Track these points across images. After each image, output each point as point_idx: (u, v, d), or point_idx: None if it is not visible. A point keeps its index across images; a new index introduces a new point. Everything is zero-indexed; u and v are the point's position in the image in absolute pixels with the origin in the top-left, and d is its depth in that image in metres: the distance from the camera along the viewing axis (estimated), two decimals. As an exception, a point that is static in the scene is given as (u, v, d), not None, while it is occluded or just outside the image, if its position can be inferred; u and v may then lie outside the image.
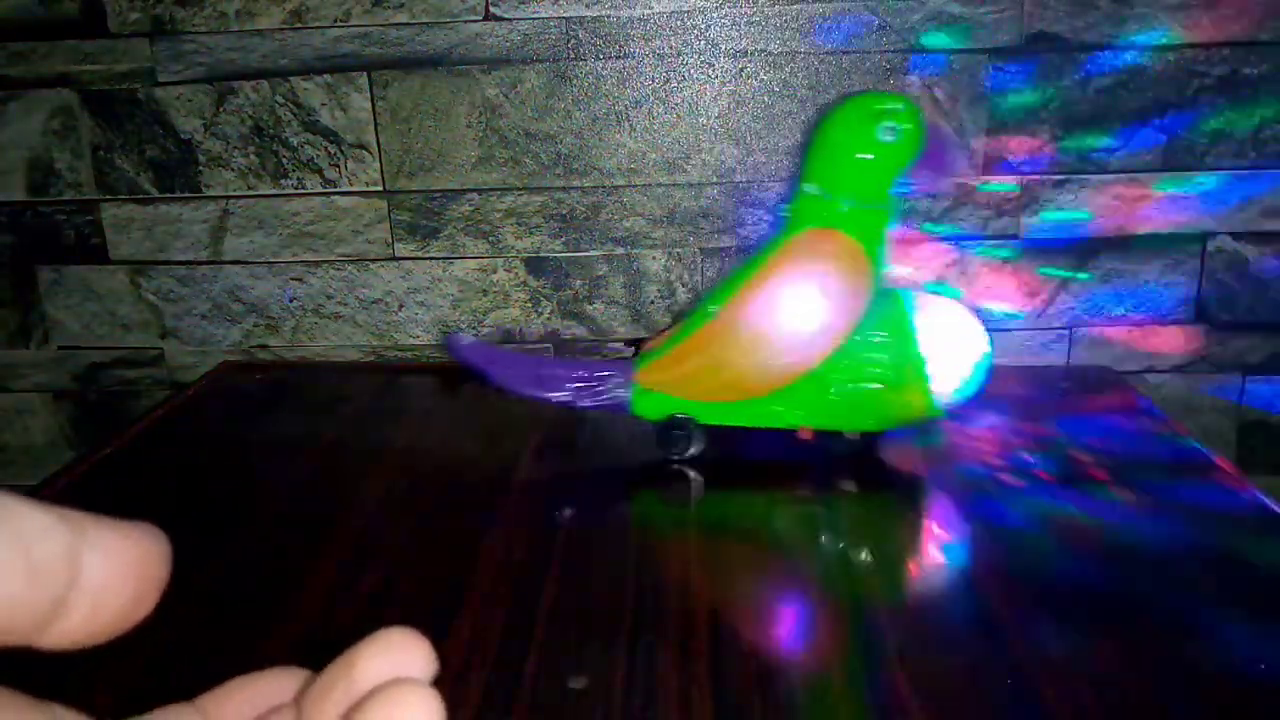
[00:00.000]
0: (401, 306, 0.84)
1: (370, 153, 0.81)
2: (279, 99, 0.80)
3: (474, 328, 0.85)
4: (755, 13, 0.76)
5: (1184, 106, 0.77)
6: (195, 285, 0.85)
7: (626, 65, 0.78)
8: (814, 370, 0.58)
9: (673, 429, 0.61)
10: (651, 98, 0.78)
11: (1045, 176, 0.79)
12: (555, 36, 0.77)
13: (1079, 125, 0.78)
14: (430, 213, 0.82)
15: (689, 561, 0.51)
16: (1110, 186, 0.79)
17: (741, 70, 0.78)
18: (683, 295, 0.83)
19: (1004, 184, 0.79)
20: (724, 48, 0.77)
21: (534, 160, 0.80)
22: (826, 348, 0.57)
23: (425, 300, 0.84)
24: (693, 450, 0.61)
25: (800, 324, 0.57)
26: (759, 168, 0.80)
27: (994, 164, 0.79)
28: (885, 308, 0.59)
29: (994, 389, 0.62)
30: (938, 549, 0.54)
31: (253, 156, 0.81)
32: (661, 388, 0.61)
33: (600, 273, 0.83)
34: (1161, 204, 0.79)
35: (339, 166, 0.81)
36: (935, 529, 0.56)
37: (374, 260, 0.83)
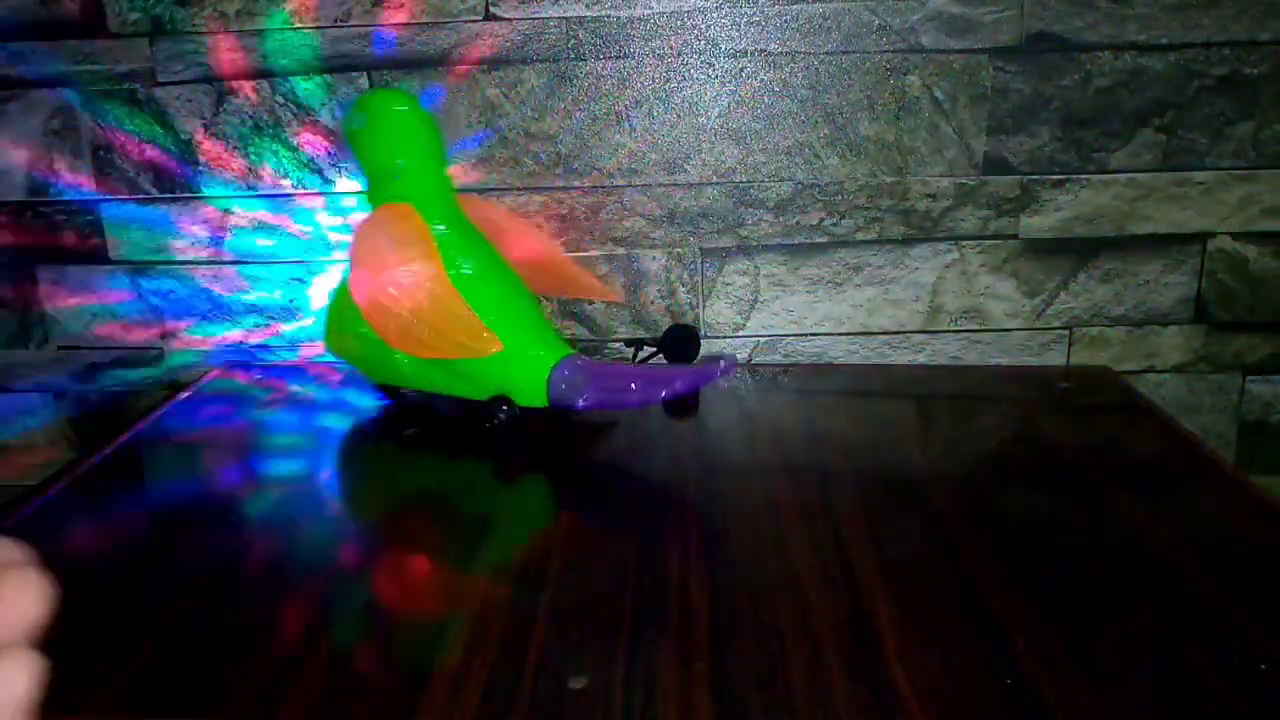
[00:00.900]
0: (401, 306, 0.84)
1: (370, 153, 0.80)
2: (279, 99, 0.80)
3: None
4: (755, 13, 0.76)
5: (1184, 106, 0.77)
6: (195, 285, 0.85)
7: (626, 65, 0.78)
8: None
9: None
10: (651, 98, 0.78)
11: (1045, 176, 0.79)
12: (555, 36, 0.77)
13: (1079, 125, 0.78)
14: (430, 213, 0.82)
15: (689, 561, 0.51)
16: (1110, 186, 0.79)
17: (741, 70, 0.78)
18: (683, 295, 0.83)
19: (1003, 183, 0.79)
20: (724, 48, 0.77)
21: (534, 160, 0.80)
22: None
23: (425, 300, 0.84)
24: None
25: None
26: (759, 168, 0.80)
27: (994, 164, 0.79)
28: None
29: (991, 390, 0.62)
30: None
31: (252, 156, 0.81)
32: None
33: (600, 273, 0.83)
34: (1161, 204, 0.79)
35: (339, 166, 0.81)
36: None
37: (374, 260, 0.83)
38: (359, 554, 0.53)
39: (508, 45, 0.78)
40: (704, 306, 0.83)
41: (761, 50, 0.77)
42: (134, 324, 0.86)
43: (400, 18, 0.77)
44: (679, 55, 0.78)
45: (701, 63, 0.78)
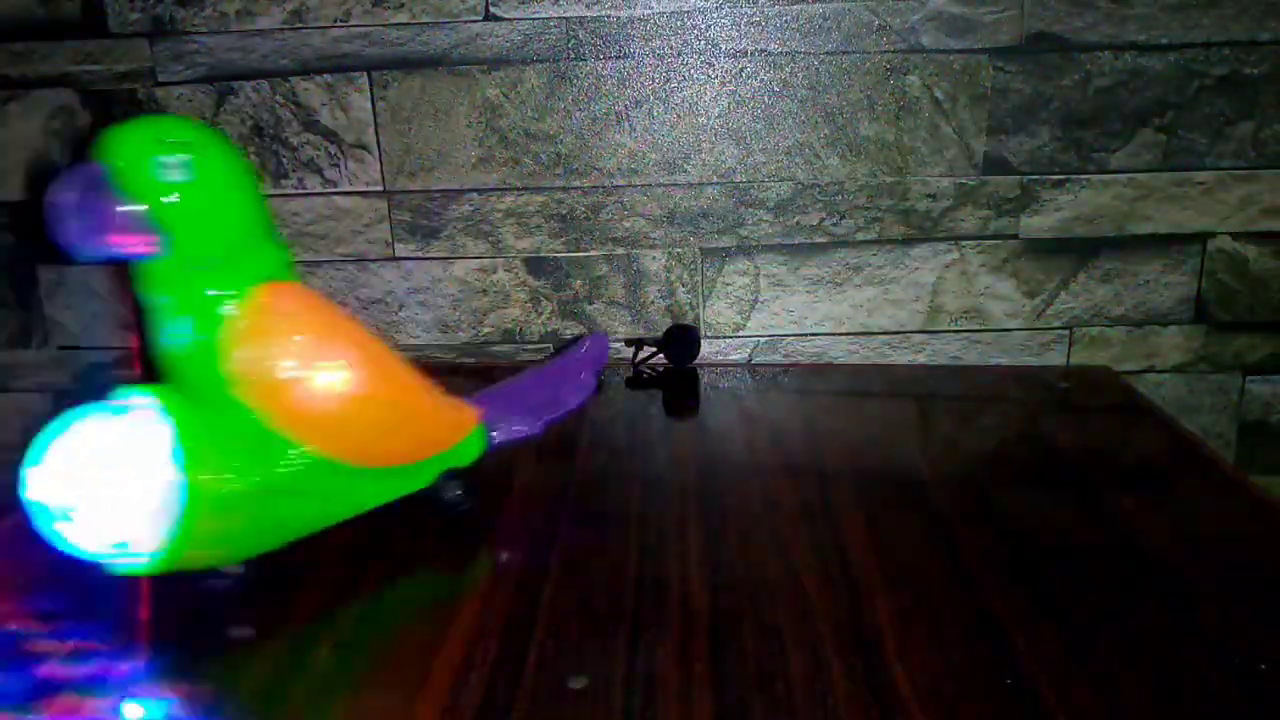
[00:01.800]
0: (401, 307, 0.85)
1: (370, 153, 0.81)
2: (279, 99, 0.80)
3: (474, 327, 0.85)
4: (755, 13, 0.76)
5: (1184, 106, 0.77)
6: (195, 285, 0.85)
7: (626, 65, 0.78)
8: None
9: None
10: (651, 98, 0.78)
11: (1045, 176, 0.79)
12: (555, 36, 0.77)
13: (1079, 125, 0.78)
14: (430, 213, 0.82)
15: (689, 561, 0.51)
16: (1110, 186, 0.79)
17: (741, 70, 0.78)
18: (682, 295, 0.83)
19: (1003, 183, 0.79)
20: (724, 48, 0.77)
21: (534, 160, 0.80)
22: None
23: (425, 300, 0.84)
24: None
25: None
26: (759, 168, 0.80)
27: (994, 164, 0.79)
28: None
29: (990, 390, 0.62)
30: None
31: (253, 156, 0.81)
32: None
33: (600, 273, 0.83)
34: (1161, 204, 0.79)
35: (339, 166, 0.81)
36: None
37: (374, 260, 0.83)
38: (359, 554, 0.53)
39: (508, 45, 0.78)
40: (704, 306, 0.83)
41: (761, 50, 0.77)
42: (134, 324, 0.86)
43: (400, 18, 0.77)
44: (679, 55, 0.78)
45: (701, 63, 0.78)
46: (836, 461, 0.63)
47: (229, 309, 0.45)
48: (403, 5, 0.77)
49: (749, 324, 0.84)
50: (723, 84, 0.78)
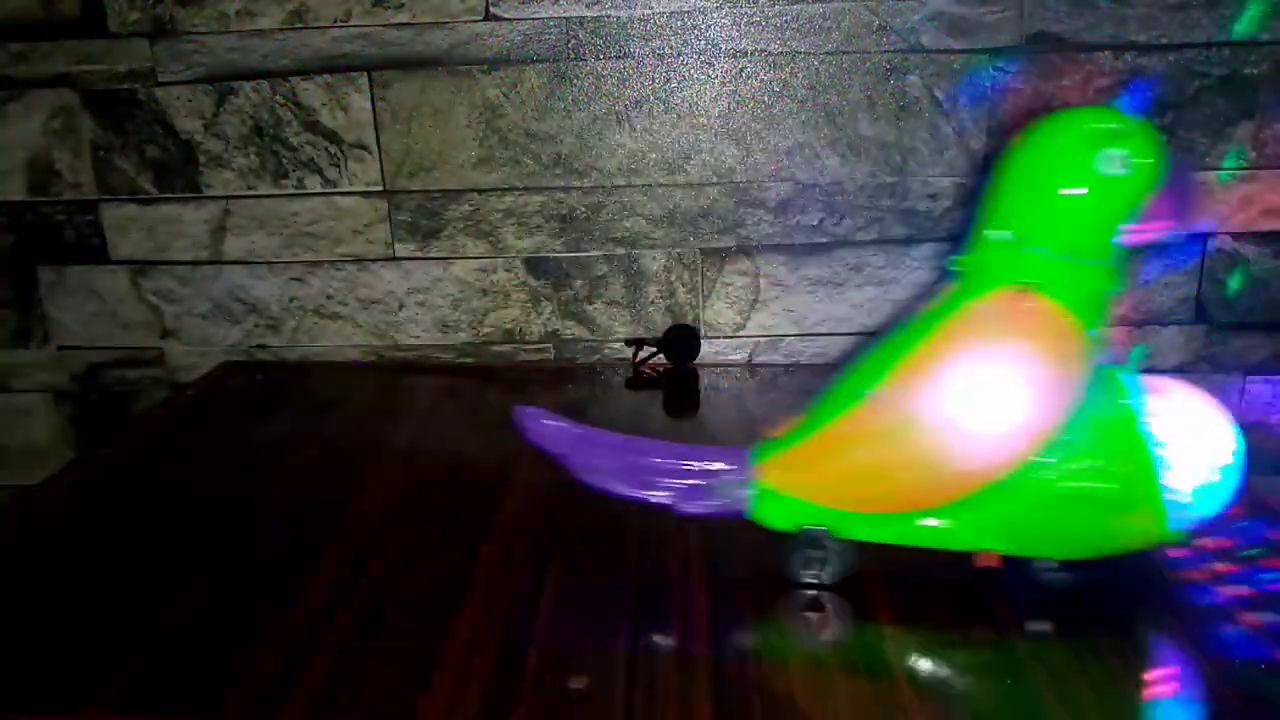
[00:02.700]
0: (401, 306, 0.84)
1: (370, 153, 0.81)
2: (279, 99, 0.80)
3: (474, 327, 0.85)
4: (755, 13, 0.76)
5: (1184, 106, 0.77)
6: (195, 285, 0.85)
7: (626, 65, 0.78)
8: (1004, 478, 0.45)
9: (808, 545, 0.48)
10: (651, 98, 0.78)
11: (1045, 176, 0.79)
12: (555, 36, 0.77)
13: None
14: (430, 213, 0.82)
15: (689, 561, 0.51)
16: (1110, 186, 0.79)
17: (741, 70, 0.78)
18: (682, 295, 0.83)
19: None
20: (724, 48, 0.77)
21: (534, 160, 0.80)
22: (1024, 449, 0.44)
23: (425, 300, 0.84)
24: (832, 572, 0.48)
25: (991, 417, 0.44)
26: (759, 168, 0.80)
27: (994, 164, 0.79)
28: (1101, 395, 0.45)
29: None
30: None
31: (253, 156, 0.81)
32: (794, 490, 0.48)
33: (600, 273, 0.83)
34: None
35: (339, 166, 0.81)
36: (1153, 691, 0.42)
37: (374, 260, 0.83)
38: (359, 554, 0.53)
39: (508, 45, 0.78)
40: (704, 306, 0.83)
41: (761, 50, 0.77)
42: (134, 324, 0.86)
43: (400, 18, 0.77)
44: (679, 55, 0.78)
45: (701, 63, 0.78)
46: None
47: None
48: (403, 5, 0.77)
49: (749, 324, 0.84)
50: (723, 84, 0.78)
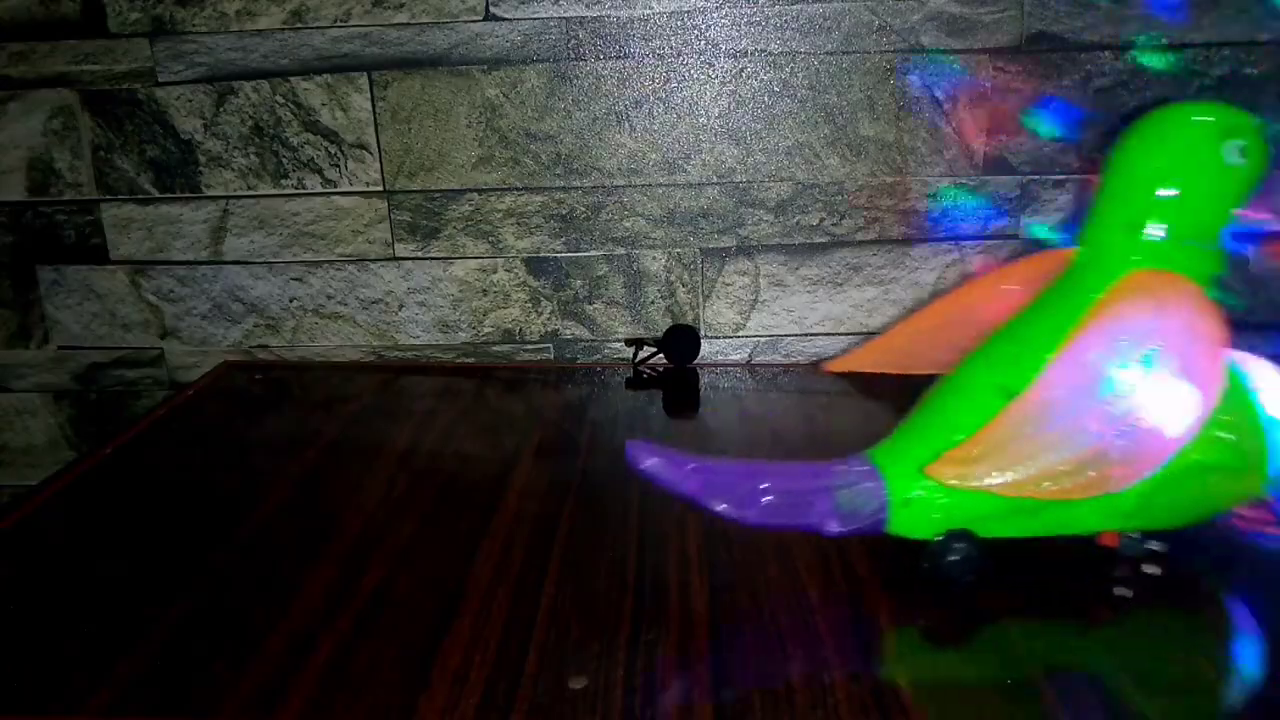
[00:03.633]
0: (401, 306, 0.85)
1: (370, 153, 0.81)
2: (279, 99, 0.80)
3: (474, 327, 0.85)
4: (755, 13, 0.76)
5: (1184, 106, 0.77)
6: (195, 285, 0.85)
7: (626, 65, 0.78)
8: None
9: (954, 548, 0.47)
10: (651, 98, 0.78)
11: (1045, 176, 0.79)
12: (555, 36, 0.77)
13: (1079, 125, 0.78)
14: (430, 213, 0.82)
15: (689, 561, 0.51)
16: (1110, 186, 0.79)
17: (741, 70, 0.78)
18: (682, 295, 0.83)
19: (1004, 183, 0.79)
20: (724, 48, 0.77)
21: (534, 160, 0.80)
22: (1195, 425, 0.45)
23: (425, 300, 0.84)
24: (979, 570, 0.47)
25: (1166, 396, 0.45)
26: (759, 168, 0.80)
27: (994, 164, 0.79)
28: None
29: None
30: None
31: (253, 156, 0.81)
32: (964, 485, 0.46)
33: (600, 273, 0.83)
34: (1161, 204, 0.79)
35: (339, 166, 0.81)
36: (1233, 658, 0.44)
37: (374, 260, 0.83)
38: (359, 554, 0.53)
39: (508, 45, 0.78)
40: (704, 306, 0.83)
41: (761, 50, 0.77)
42: (134, 324, 0.86)
43: (400, 18, 0.77)
44: (679, 55, 0.78)
45: (701, 63, 0.78)
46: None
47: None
48: (403, 5, 0.77)
49: (749, 324, 0.84)
50: (723, 84, 0.78)
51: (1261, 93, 0.76)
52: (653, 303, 0.83)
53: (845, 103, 0.78)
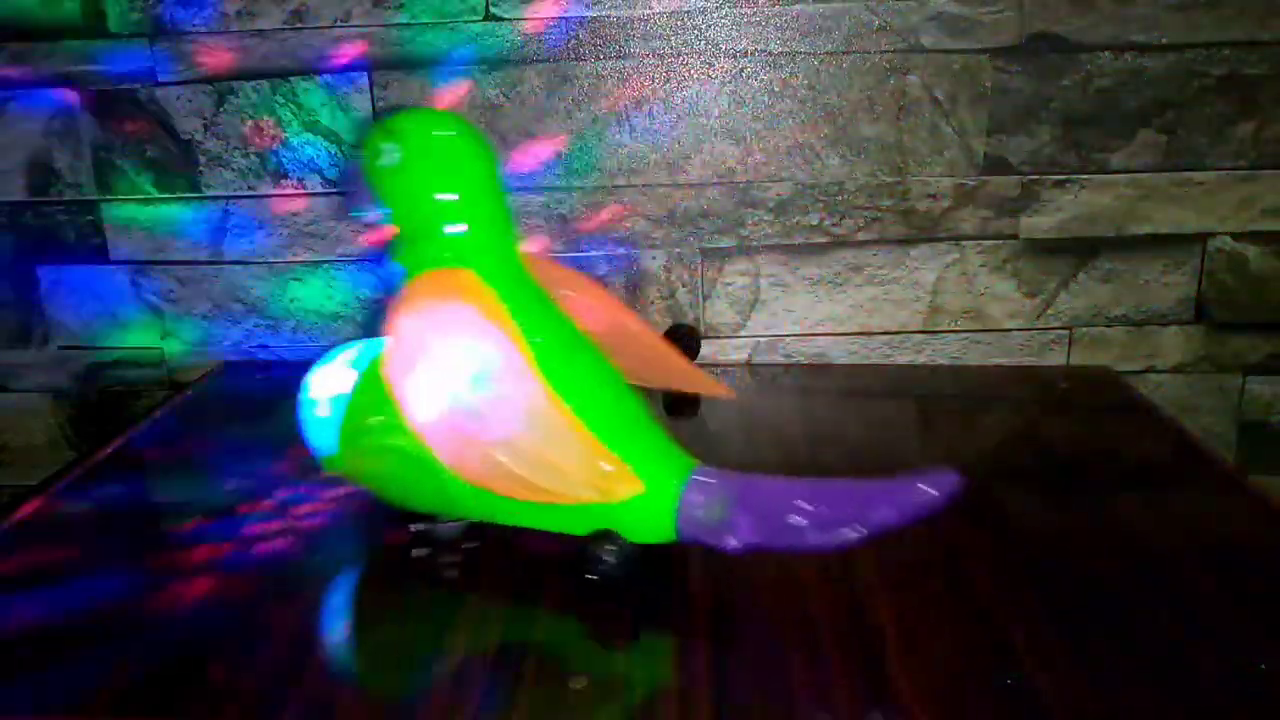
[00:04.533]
0: (401, 306, 0.84)
1: (370, 153, 0.81)
2: (279, 99, 0.80)
3: (474, 328, 0.84)
4: (755, 13, 0.76)
5: (1184, 106, 0.77)
6: (195, 285, 0.85)
7: (626, 65, 0.78)
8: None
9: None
10: (651, 98, 0.78)
11: (1045, 176, 0.79)
12: (555, 36, 0.77)
13: (1079, 125, 0.78)
14: (430, 213, 0.82)
15: (689, 562, 0.51)
16: (1110, 187, 0.79)
17: (741, 70, 0.78)
18: (682, 295, 0.83)
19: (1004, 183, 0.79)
20: (724, 48, 0.77)
21: (534, 160, 0.80)
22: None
23: (425, 300, 0.84)
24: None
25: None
26: (759, 168, 0.80)
27: (994, 164, 0.79)
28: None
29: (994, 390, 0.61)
30: None
31: (253, 156, 0.81)
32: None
33: (600, 273, 0.83)
34: (1161, 204, 0.79)
35: (339, 166, 0.81)
36: None
37: (374, 260, 0.83)
38: (358, 553, 0.53)
39: (508, 45, 0.78)
40: (704, 306, 0.83)
41: (761, 50, 0.77)
42: (134, 324, 0.86)
43: (400, 18, 0.77)
44: (679, 55, 0.78)
45: (701, 63, 0.78)
46: (836, 461, 0.63)
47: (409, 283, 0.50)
48: (403, 5, 0.77)
49: (749, 324, 0.84)
50: (723, 84, 0.78)
51: (1261, 93, 0.76)
52: (653, 303, 0.83)
53: (845, 103, 0.78)
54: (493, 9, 0.77)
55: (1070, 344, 0.83)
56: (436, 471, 0.48)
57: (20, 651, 0.45)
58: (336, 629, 0.47)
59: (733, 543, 0.45)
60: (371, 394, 0.50)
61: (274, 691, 0.42)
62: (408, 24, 0.77)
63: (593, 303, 0.57)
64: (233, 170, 0.82)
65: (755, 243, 0.81)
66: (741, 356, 0.84)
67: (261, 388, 0.80)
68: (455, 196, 0.50)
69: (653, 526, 0.47)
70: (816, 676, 0.42)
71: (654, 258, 0.82)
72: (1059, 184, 0.79)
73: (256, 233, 0.83)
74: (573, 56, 0.78)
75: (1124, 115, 0.77)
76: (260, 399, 0.78)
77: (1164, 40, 0.75)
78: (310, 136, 0.81)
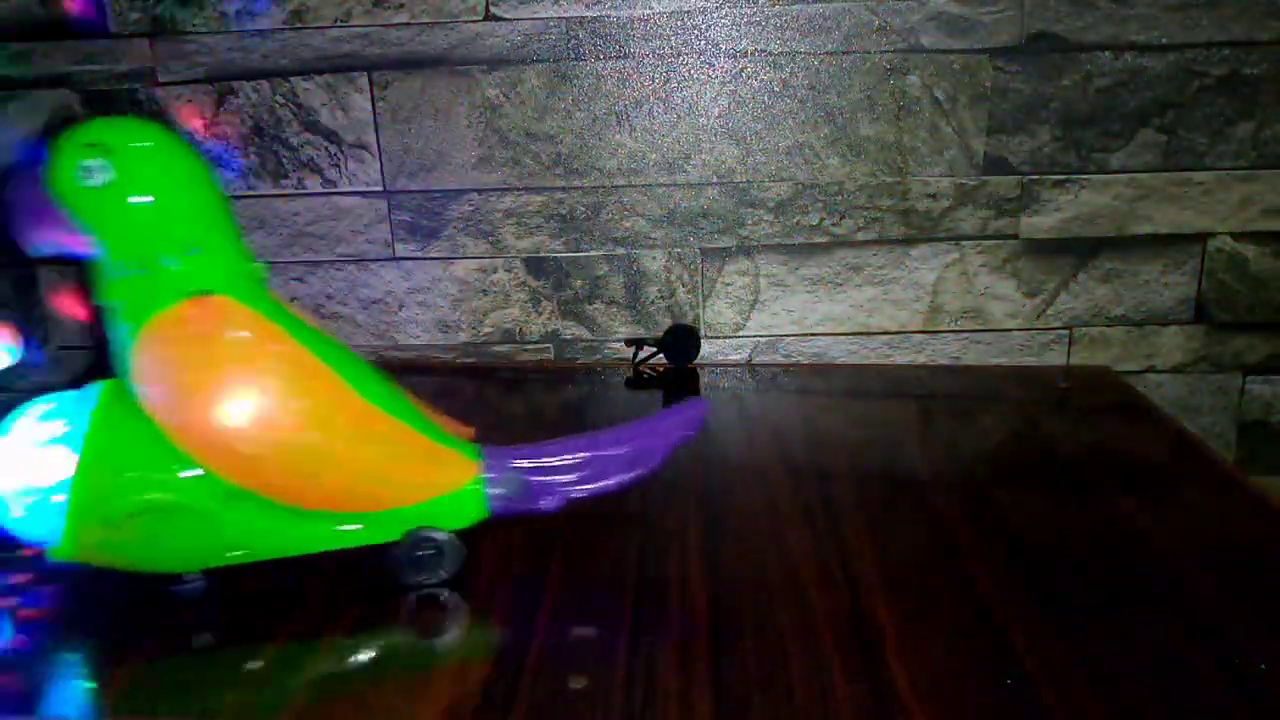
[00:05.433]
0: (402, 306, 0.84)
1: (370, 153, 0.81)
2: (279, 99, 0.80)
3: (474, 327, 0.85)
4: (755, 13, 0.76)
5: (1184, 106, 0.77)
6: (195, 285, 0.85)
7: (626, 65, 0.78)
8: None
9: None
10: (651, 98, 0.78)
11: (1045, 176, 0.79)
12: (555, 36, 0.77)
13: (1079, 125, 0.78)
14: (430, 213, 0.82)
15: (689, 561, 0.51)
16: (1110, 187, 0.79)
17: (741, 70, 0.78)
18: (682, 295, 0.83)
19: (1004, 182, 0.79)
20: (724, 48, 0.77)
21: (534, 160, 0.80)
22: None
23: (425, 300, 0.84)
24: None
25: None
26: (759, 168, 0.80)
27: (994, 164, 0.79)
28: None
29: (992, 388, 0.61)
30: None
31: (253, 156, 0.81)
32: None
33: (600, 273, 0.83)
34: (1161, 204, 0.79)
35: (339, 166, 0.81)
36: None
37: (374, 260, 0.83)
38: (359, 555, 0.53)
39: (508, 45, 0.78)
40: (704, 306, 0.83)
41: (761, 50, 0.77)
42: (134, 324, 0.86)
43: (400, 18, 0.77)
44: (679, 55, 0.78)
45: (701, 63, 0.78)
46: (836, 461, 0.63)
47: (152, 318, 0.45)
48: (403, 5, 0.77)
49: (749, 324, 0.84)
50: (723, 84, 0.78)
51: (1261, 93, 0.76)
52: (653, 303, 0.83)
53: (845, 103, 0.78)
54: (493, 9, 0.77)
55: (1070, 344, 0.83)
56: (211, 516, 0.46)
57: (21, 651, 0.45)
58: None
59: (546, 502, 0.49)
60: (108, 461, 0.45)
61: (275, 689, 0.42)
62: (408, 24, 0.77)
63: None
64: (232, 170, 0.82)
65: (755, 243, 0.81)
66: (741, 356, 0.84)
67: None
68: (188, 214, 0.45)
69: (466, 510, 0.48)
70: (817, 676, 0.42)
71: (654, 258, 0.82)
72: (1059, 184, 0.79)
73: (256, 233, 0.83)
74: (573, 56, 0.78)
75: (1124, 115, 0.77)
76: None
77: (1164, 40, 0.75)
78: (310, 136, 0.81)
